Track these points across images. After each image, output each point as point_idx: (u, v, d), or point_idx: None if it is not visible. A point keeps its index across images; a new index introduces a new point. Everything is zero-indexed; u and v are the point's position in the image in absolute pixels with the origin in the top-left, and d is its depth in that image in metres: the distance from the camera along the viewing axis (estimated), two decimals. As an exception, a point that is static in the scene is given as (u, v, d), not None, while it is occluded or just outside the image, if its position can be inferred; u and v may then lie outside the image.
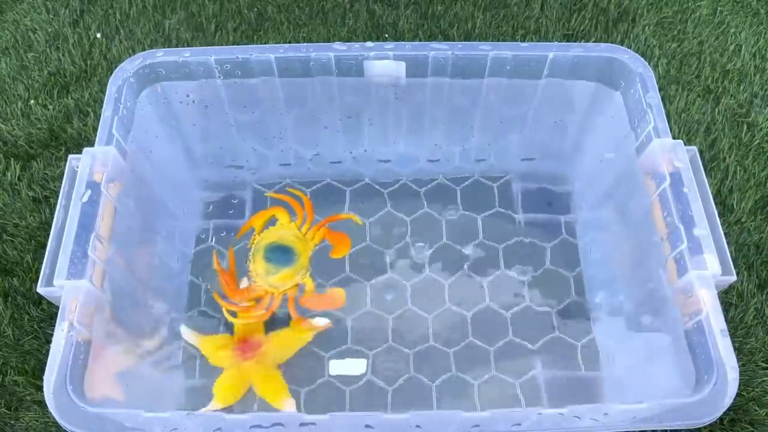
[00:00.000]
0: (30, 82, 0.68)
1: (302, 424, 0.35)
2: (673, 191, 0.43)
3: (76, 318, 0.38)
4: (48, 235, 0.42)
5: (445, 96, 0.52)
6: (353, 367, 0.51)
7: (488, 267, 0.56)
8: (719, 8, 0.75)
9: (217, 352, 0.50)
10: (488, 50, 0.48)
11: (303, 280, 0.49)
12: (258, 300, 0.50)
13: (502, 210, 0.58)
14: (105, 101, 0.46)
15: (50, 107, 0.65)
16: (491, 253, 0.56)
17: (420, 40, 0.71)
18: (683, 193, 0.42)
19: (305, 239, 0.51)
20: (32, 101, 0.66)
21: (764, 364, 0.52)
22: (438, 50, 0.48)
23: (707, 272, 0.39)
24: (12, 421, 0.49)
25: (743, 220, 0.59)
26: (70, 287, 0.39)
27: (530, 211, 0.59)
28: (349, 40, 0.71)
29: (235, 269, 0.51)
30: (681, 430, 0.42)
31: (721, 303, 0.39)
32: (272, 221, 0.54)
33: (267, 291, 0.48)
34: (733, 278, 0.40)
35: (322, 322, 0.51)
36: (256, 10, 0.74)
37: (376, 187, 0.60)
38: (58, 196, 0.43)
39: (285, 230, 0.51)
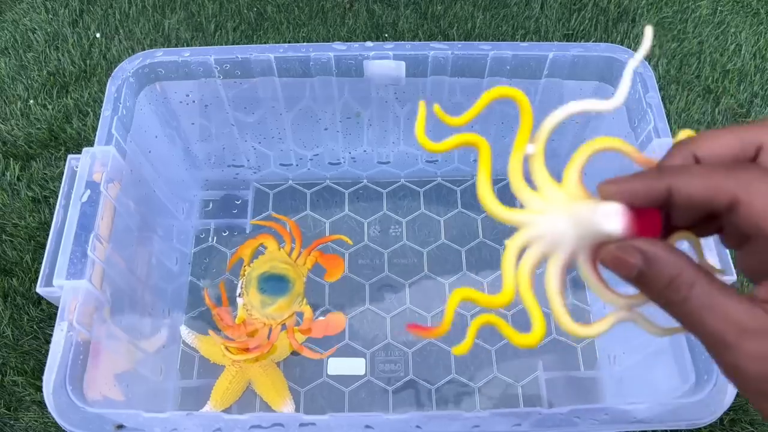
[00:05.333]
0: (29, 82, 0.67)
1: (302, 425, 0.35)
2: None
3: (75, 318, 0.38)
4: (47, 235, 0.42)
5: (445, 96, 0.52)
6: (353, 366, 0.51)
7: (488, 267, 0.56)
8: (719, 8, 0.75)
9: (218, 351, 0.50)
10: (488, 50, 0.48)
11: (301, 308, 0.48)
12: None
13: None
14: (104, 101, 0.46)
15: (50, 107, 0.65)
16: (491, 254, 0.56)
17: (420, 40, 0.71)
18: (683, 192, 0.42)
19: (297, 265, 0.49)
20: (31, 101, 0.66)
21: (764, 364, 0.52)
22: (438, 50, 0.48)
23: (707, 272, 0.39)
24: (12, 422, 0.49)
25: (743, 220, 0.59)
26: (69, 287, 0.39)
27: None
28: (348, 39, 0.71)
29: (228, 303, 0.50)
30: (681, 430, 0.42)
31: (722, 303, 0.39)
32: (261, 250, 0.53)
33: (265, 323, 0.47)
34: (734, 278, 0.40)
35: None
36: (255, 9, 0.74)
37: (375, 187, 0.60)
38: (57, 196, 0.43)
39: (276, 258, 0.49)
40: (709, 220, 0.18)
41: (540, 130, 0.21)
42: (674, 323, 0.19)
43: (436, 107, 0.21)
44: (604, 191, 0.18)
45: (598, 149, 0.21)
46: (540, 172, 0.21)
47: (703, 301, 0.16)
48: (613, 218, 0.18)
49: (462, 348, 0.20)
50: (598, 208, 0.18)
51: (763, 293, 0.16)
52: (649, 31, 0.19)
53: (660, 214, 0.18)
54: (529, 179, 0.21)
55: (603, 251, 0.18)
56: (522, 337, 0.19)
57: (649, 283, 0.17)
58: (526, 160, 0.21)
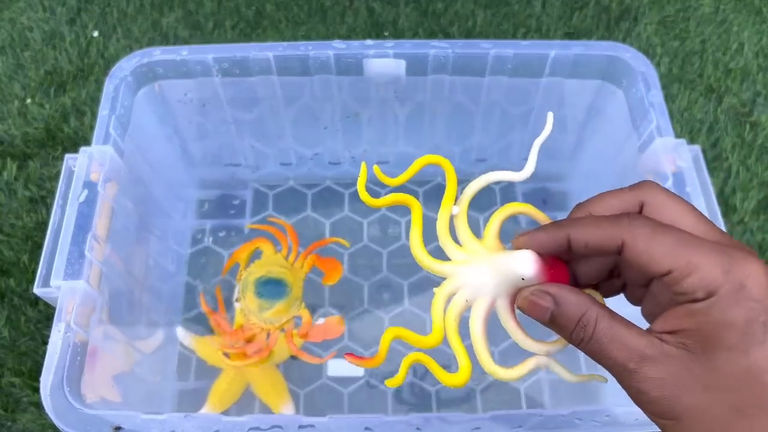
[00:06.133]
0: (26, 81, 0.67)
1: (301, 426, 0.35)
2: (676, 191, 0.42)
3: (73, 319, 0.38)
4: (45, 235, 0.42)
5: (445, 94, 0.52)
6: (352, 368, 0.50)
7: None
8: (721, 6, 0.74)
9: (215, 352, 0.50)
10: (489, 48, 0.48)
11: (299, 312, 0.47)
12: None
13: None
14: (102, 100, 0.46)
15: (47, 106, 0.65)
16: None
17: (420, 38, 0.71)
18: (686, 192, 0.42)
19: (294, 269, 0.49)
20: (29, 100, 0.66)
21: (767, 365, 0.52)
22: (438, 48, 0.48)
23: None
24: (9, 423, 0.49)
25: (746, 220, 0.59)
26: (66, 288, 0.39)
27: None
28: (348, 38, 0.71)
29: (224, 308, 0.50)
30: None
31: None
32: (257, 254, 0.52)
33: (263, 328, 0.47)
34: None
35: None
36: (254, 8, 0.73)
37: (375, 187, 0.60)
38: (54, 196, 0.43)
39: (272, 262, 0.49)
40: (611, 277, 0.22)
41: (463, 194, 0.23)
42: (588, 370, 0.21)
43: (376, 168, 0.23)
44: (517, 242, 0.21)
45: (512, 213, 0.23)
46: (464, 229, 0.23)
47: (607, 334, 0.18)
48: (525, 263, 0.20)
49: (395, 381, 0.21)
50: (513, 255, 0.20)
51: (658, 326, 0.18)
52: (550, 117, 0.23)
53: (566, 265, 0.21)
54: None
55: (519, 296, 0.20)
56: (450, 377, 0.21)
57: (561, 323, 0.19)
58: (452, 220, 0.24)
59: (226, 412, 0.48)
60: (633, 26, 0.72)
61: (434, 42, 0.48)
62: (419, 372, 0.50)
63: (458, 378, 0.21)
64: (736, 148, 0.63)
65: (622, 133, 0.49)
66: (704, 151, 0.63)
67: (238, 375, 0.49)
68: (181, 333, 0.51)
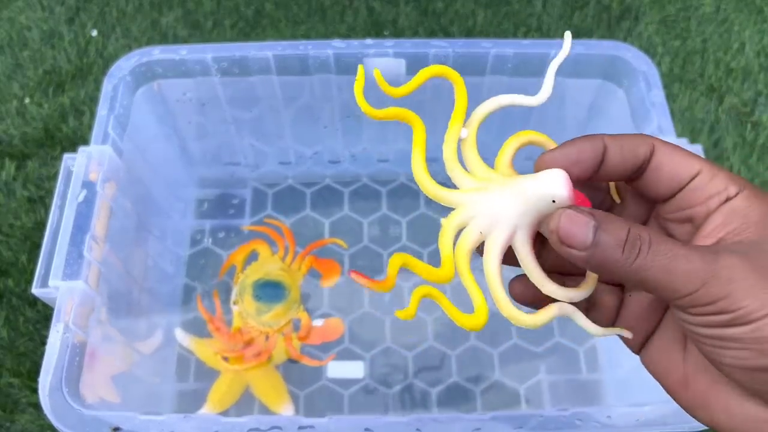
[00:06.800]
0: (25, 80, 0.67)
1: (301, 428, 0.35)
2: (677, 191, 0.42)
3: (71, 320, 0.37)
4: (43, 235, 0.41)
5: (445, 94, 0.52)
6: (352, 370, 0.50)
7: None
8: (722, 6, 0.74)
9: (214, 354, 0.50)
10: (489, 48, 0.48)
11: (297, 315, 0.47)
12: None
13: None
14: (101, 100, 0.46)
15: (45, 106, 0.65)
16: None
17: (420, 38, 0.71)
18: (687, 192, 0.42)
19: (292, 270, 0.49)
20: (27, 100, 0.66)
21: None
22: (438, 48, 0.48)
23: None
24: (7, 423, 0.49)
25: (747, 219, 0.59)
26: (65, 288, 0.38)
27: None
28: (348, 37, 0.71)
29: (222, 312, 0.50)
30: (684, 432, 0.42)
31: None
32: (254, 256, 0.52)
33: (261, 331, 0.47)
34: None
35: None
36: (253, 7, 0.73)
37: (375, 186, 0.60)
38: (53, 196, 0.43)
39: (270, 264, 0.49)
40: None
41: (473, 116, 0.21)
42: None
43: (377, 72, 0.20)
44: (546, 160, 0.19)
45: (527, 141, 0.21)
46: (473, 155, 0.21)
47: (670, 244, 0.16)
48: (558, 181, 0.17)
49: (406, 312, 0.18)
50: (541, 174, 0.18)
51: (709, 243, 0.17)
52: (568, 36, 0.20)
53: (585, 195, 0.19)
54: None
55: (552, 217, 0.17)
56: (465, 317, 0.18)
57: (609, 240, 0.16)
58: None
59: (225, 413, 0.48)
60: (634, 25, 0.72)
61: (434, 41, 0.48)
62: (419, 372, 0.50)
63: (475, 319, 0.18)
64: (737, 148, 0.63)
65: (624, 132, 0.49)
66: (706, 151, 0.63)
67: (238, 376, 0.48)
68: (180, 334, 0.51)
